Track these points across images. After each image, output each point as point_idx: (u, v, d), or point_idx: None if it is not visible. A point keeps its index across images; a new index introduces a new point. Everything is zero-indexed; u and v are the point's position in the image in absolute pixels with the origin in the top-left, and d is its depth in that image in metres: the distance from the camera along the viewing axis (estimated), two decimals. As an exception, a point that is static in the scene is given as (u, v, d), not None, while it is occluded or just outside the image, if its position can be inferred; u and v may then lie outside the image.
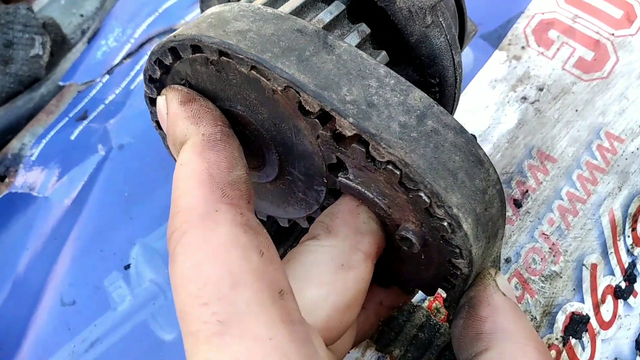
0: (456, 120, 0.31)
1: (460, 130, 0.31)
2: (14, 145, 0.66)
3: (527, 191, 0.52)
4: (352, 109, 0.29)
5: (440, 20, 0.38)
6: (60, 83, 0.70)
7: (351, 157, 0.30)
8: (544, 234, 0.51)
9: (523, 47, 0.59)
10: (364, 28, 0.38)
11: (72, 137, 0.63)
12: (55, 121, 0.66)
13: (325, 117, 0.30)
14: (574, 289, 0.49)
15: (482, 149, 0.31)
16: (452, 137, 0.30)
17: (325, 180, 0.34)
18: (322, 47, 0.32)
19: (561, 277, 0.49)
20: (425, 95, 0.31)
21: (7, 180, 0.64)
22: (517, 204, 0.52)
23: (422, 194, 0.28)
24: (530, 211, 0.52)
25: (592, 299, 0.49)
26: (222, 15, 0.32)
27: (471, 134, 0.32)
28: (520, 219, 0.51)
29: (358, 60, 0.32)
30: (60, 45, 0.75)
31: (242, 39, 0.30)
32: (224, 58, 0.31)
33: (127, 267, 0.54)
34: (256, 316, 0.24)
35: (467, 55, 0.59)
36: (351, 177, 0.31)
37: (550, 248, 0.50)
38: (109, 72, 0.68)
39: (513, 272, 0.49)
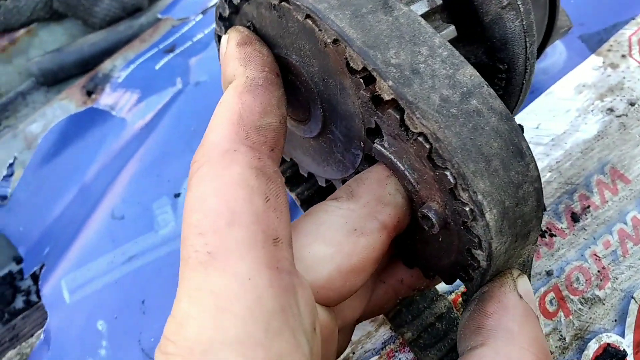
0: (504, 106, 0.30)
1: (507, 116, 0.29)
2: (106, 65, 0.71)
3: (588, 207, 0.49)
4: (394, 72, 0.28)
5: (519, 3, 0.36)
6: (159, 15, 0.74)
7: (386, 123, 0.30)
8: (595, 255, 0.47)
9: (624, 56, 0.54)
10: (436, -2, 0.36)
11: (157, 67, 0.67)
12: (146, 50, 0.70)
13: (369, 79, 0.29)
14: (615, 320, 0.45)
15: (526, 142, 0.30)
16: (495, 121, 0.29)
17: (363, 145, 0.33)
18: (381, 7, 0.31)
19: (604, 304, 0.46)
20: (477, 74, 0.30)
21: (93, 96, 0.69)
22: (575, 218, 0.49)
23: (448, 173, 0.27)
24: (586, 228, 0.48)
25: (635, 336, 0.45)
26: None
27: (518, 124, 0.30)
28: (573, 234, 0.48)
29: (415, 25, 0.31)
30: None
31: None
32: (285, 4, 0.31)
33: (177, 195, 0.56)
34: (242, 255, 0.25)
35: (559, 53, 0.56)
36: (386, 145, 0.31)
37: (599, 271, 0.47)
38: (203, 13, 0.70)
39: (552, 286, 0.46)
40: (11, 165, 0.65)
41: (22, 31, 0.79)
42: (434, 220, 0.30)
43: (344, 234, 0.30)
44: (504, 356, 0.28)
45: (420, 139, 0.28)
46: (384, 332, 0.47)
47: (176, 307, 0.25)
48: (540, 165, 0.51)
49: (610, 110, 0.52)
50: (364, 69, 0.29)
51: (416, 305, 0.45)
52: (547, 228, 0.49)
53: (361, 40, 0.29)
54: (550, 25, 0.45)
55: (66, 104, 0.69)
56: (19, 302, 0.63)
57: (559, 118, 0.53)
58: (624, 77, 0.53)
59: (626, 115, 0.52)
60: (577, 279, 0.46)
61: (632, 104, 0.52)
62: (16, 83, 0.80)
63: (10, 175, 0.65)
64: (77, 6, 0.75)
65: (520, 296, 0.31)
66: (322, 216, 0.31)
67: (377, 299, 0.37)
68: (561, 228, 0.48)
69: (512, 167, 0.29)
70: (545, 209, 0.49)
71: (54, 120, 0.68)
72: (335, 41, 0.29)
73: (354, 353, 0.47)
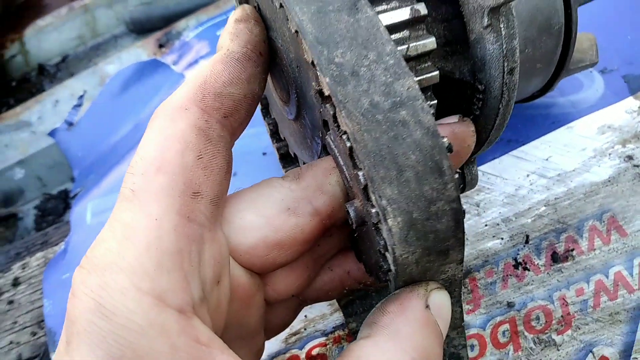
0: (434, 123, 0.30)
1: (433, 133, 0.30)
2: (181, 24, 0.78)
3: (572, 250, 0.47)
4: (334, 70, 0.30)
5: (501, 26, 0.35)
6: (238, -14, 0.79)
7: (326, 117, 0.32)
8: (564, 299, 0.46)
9: (663, 104, 0.51)
10: (421, 8, 0.37)
11: (217, 33, 0.72)
12: (216, 16, 0.75)
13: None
14: (566, 369, 0.44)
15: (448, 161, 0.30)
16: (419, 135, 0.30)
17: (321, 135, 0.36)
18: (348, 8, 0.33)
19: (558, 350, 0.44)
20: (417, 87, 0.31)
21: (163, 49, 0.76)
22: (555, 258, 0.47)
23: (361, 174, 0.29)
24: (563, 271, 0.47)
25: (586, 393, 0.44)
26: None
27: (447, 143, 0.31)
28: (548, 273, 0.47)
29: (372, 30, 0.32)
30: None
31: None
32: None
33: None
34: (159, 199, 0.28)
35: (596, 89, 0.53)
36: (332, 138, 0.33)
37: (562, 316, 0.45)
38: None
39: (509, 318, 0.46)
40: (81, 97, 0.74)
41: (125, -18, 0.88)
42: (351, 215, 0.32)
43: (277, 210, 0.33)
44: (381, 351, 0.29)
45: (344, 137, 0.30)
46: (337, 318, 0.50)
47: (100, 231, 0.29)
48: (537, 197, 0.49)
49: (630, 157, 0.49)
50: (313, 62, 0.31)
51: (369, 300, 0.47)
52: (523, 261, 0.48)
53: (314, 35, 0.31)
54: (563, 56, 0.43)
55: (140, 52, 0.77)
56: (66, 217, 0.73)
57: (572, 154, 0.51)
58: (656, 128, 0.50)
59: (645, 166, 0.49)
60: (537, 317, 0.45)
61: (655, 157, 0.49)
62: (113, 27, 0.90)
63: (79, 105, 0.74)
64: (173, -33, 0.83)
65: (428, 306, 0.31)
66: (265, 189, 0.34)
67: (322, 284, 0.39)
68: (537, 264, 0.47)
69: (427, 182, 0.30)
70: (528, 241, 0.48)
71: (126, 64, 0.76)
72: (296, 32, 0.32)
73: (305, 329, 0.50)
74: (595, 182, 0.49)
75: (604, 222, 0.47)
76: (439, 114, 0.45)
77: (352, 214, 0.32)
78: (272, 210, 0.33)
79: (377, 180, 0.28)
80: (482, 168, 0.52)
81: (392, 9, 0.37)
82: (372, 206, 0.29)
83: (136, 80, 0.73)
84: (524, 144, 0.52)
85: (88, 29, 0.90)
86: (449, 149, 0.31)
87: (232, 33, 0.34)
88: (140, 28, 0.85)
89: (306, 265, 0.37)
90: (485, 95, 0.38)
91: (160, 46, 0.76)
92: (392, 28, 0.36)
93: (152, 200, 0.28)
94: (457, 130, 0.37)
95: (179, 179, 0.29)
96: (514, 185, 0.50)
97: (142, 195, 0.29)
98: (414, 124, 0.30)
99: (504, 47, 0.36)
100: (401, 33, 0.36)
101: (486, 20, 0.35)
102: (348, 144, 0.29)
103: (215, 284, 0.30)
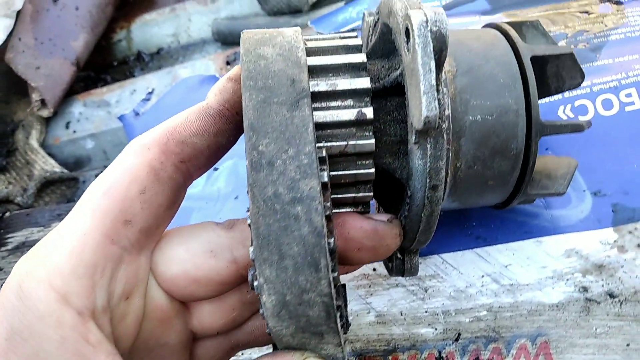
0: (322, 224, 0.34)
1: (319, 233, 0.34)
2: (249, 46, 0.85)
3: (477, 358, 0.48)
4: (254, 156, 0.35)
5: (427, 146, 0.38)
6: (308, 23, 0.85)
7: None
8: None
9: (639, 246, 0.49)
10: (367, 112, 0.40)
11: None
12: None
13: None
14: None
15: (326, 260, 0.34)
16: (306, 232, 0.34)
17: None
18: (290, 103, 0.37)
19: None
20: (318, 189, 0.35)
21: (229, 66, 0.84)
22: (475, 364, 0.48)
23: (251, 249, 0.34)
24: (479, 379, 0.48)
25: None
26: (261, 36, 0.39)
27: (332, 244, 0.35)
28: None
29: (301, 129, 0.36)
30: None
31: (256, 59, 0.36)
32: None
33: (216, 168, 0.69)
34: (94, 218, 0.34)
35: (581, 211, 0.52)
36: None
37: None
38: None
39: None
40: (150, 93, 0.85)
41: (223, -6, 0.98)
42: (249, 279, 0.37)
43: (202, 250, 0.37)
44: None
45: (248, 213, 0.35)
46: None
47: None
48: (483, 300, 0.50)
49: (585, 289, 0.48)
50: None
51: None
52: (447, 357, 0.49)
53: (250, 122, 0.36)
54: (520, 180, 0.44)
55: (210, 64, 0.86)
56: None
57: (531, 269, 0.51)
58: (622, 266, 0.48)
59: (597, 303, 0.48)
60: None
61: (611, 296, 0.47)
62: (204, 32, 1.00)
63: (147, 99, 0.85)
64: (262, -9, 0.91)
65: None
66: (199, 230, 0.38)
67: (253, 328, 0.43)
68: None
69: (303, 273, 0.34)
70: (458, 339, 0.50)
71: (197, 72, 0.85)
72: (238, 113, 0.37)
73: None
74: (543, 303, 0.49)
75: (535, 344, 0.48)
76: (383, 205, 0.48)
77: (249, 277, 0.37)
78: (198, 249, 0.37)
79: (260, 259, 0.33)
80: (444, 256, 0.53)
81: (343, 107, 0.41)
82: (256, 278, 0.34)
83: (195, 90, 0.81)
84: (490, 245, 0.53)
85: (183, 30, 1.01)
86: (332, 250, 0.35)
87: (218, 89, 0.38)
88: (224, 40, 0.95)
89: (232, 307, 0.42)
90: (411, 202, 0.41)
91: (228, 63, 0.84)
92: (338, 124, 0.40)
93: (88, 217, 0.34)
94: (379, 228, 0.40)
95: (116, 206, 0.35)
96: (466, 282, 0.52)
97: (84, 210, 0.35)
98: (305, 220, 0.34)
99: (429, 165, 0.38)
100: (347, 129, 0.40)
101: (414, 138, 0.38)
102: (248, 221, 0.34)
103: (123, 299, 0.36)
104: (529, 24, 0.47)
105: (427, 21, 0.35)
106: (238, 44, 0.41)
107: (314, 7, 0.88)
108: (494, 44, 0.44)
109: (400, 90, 0.40)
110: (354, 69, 0.41)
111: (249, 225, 0.33)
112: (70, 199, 0.86)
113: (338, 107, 0.40)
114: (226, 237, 0.38)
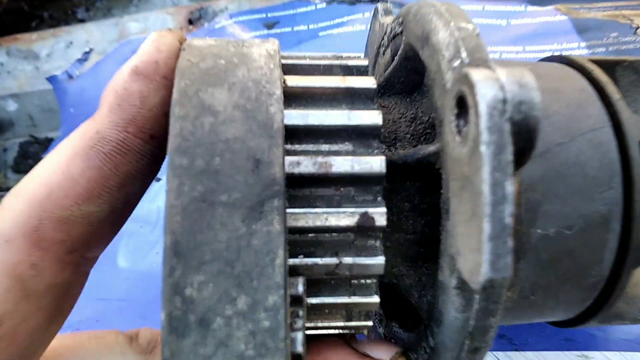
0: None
1: None
2: (220, 4, 0.66)
3: None
4: (176, 308, 0.21)
5: (476, 297, 0.23)
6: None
7: None
8: None
9: None
10: (376, 214, 0.25)
11: (246, 36, 0.61)
12: (254, 11, 0.64)
13: None
14: None
15: None
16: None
17: None
18: (249, 206, 0.23)
19: None
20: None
21: (191, 26, 0.66)
22: None
23: None
24: None
25: None
26: (212, 64, 0.24)
27: None
28: None
29: (263, 259, 0.23)
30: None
31: (196, 114, 0.23)
32: None
33: (158, 179, 0.53)
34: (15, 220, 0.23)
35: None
36: None
37: None
38: (327, 2, 0.61)
39: None
40: (87, 52, 0.66)
41: None
42: None
43: None
44: None
45: None
46: None
47: None
48: None
49: None
50: None
51: None
52: None
53: (175, 237, 0.21)
54: (596, 307, 0.29)
55: (168, 19, 0.67)
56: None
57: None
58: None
59: None
60: None
61: None
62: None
63: (84, 60, 0.66)
64: None
65: None
66: (104, 353, 0.28)
67: None
68: None
69: None
70: None
71: (151, 27, 0.67)
72: None
73: None
74: None
75: None
76: (384, 308, 0.33)
77: None
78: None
79: None
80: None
81: (337, 202, 0.25)
82: None
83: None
84: (516, 349, 0.39)
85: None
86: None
87: (115, 99, 0.26)
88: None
89: None
90: (434, 356, 0.26)
91: (190, 22, 0.66)
92: (328, 230, 0.24)
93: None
94: None
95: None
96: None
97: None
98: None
99: (473, 323, 0.23)
100: (341, 235, 0.24)
101: (454, 281, 0.22)
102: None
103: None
104: (627, 65, 0.31)
105: (504, 100, 0.18)
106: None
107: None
108: (581, 106, 0.27)
109: (429, 170, 0.24)
110: (360, 136, 0.25)
111: None
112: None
113: (330, 203, 0.24)
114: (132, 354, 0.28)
